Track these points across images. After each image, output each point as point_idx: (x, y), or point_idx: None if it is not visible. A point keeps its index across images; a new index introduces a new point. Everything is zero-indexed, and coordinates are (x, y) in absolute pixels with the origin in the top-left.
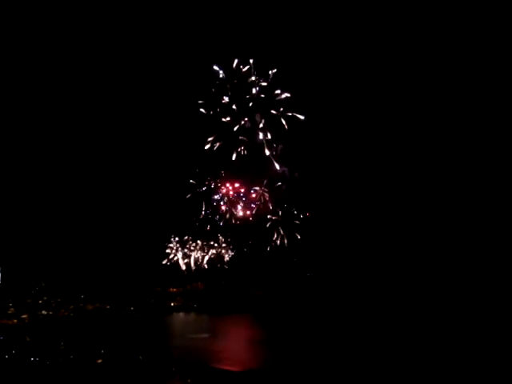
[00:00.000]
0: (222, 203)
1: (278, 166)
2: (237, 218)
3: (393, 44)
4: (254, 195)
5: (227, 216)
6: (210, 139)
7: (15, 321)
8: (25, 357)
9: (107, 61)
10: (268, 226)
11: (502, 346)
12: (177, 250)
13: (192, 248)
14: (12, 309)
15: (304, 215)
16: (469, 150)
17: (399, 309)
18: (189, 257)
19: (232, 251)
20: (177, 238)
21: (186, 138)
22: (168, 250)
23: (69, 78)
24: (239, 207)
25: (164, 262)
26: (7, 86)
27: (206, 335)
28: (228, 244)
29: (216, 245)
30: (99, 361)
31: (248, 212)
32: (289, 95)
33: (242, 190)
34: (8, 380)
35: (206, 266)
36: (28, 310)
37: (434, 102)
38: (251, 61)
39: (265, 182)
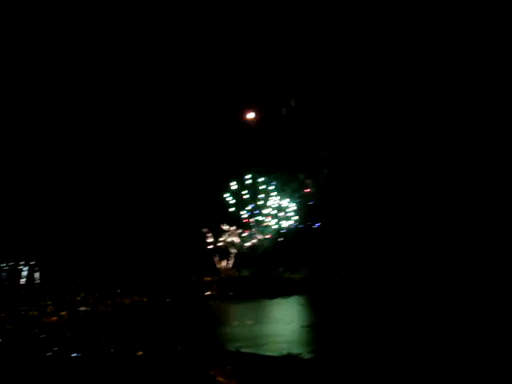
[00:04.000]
0: None
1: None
2: None
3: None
4: None
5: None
6: None
7: (55, 318)
8: (66, 353)
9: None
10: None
11: (501, 345)
12: (211, 239)
13: (226, 237)
14: (51, 307)
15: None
16: (469, 150)
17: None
18: (223, 245)
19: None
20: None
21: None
22: (203, 241)
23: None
24: None
25: (198, 250)
26: (7, 86)
27: (243, 322)
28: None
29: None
30: (140, 353)
31: None
32: None
33: None
34: (51, 377)
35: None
36: (67, 306)
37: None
38: None
39: None
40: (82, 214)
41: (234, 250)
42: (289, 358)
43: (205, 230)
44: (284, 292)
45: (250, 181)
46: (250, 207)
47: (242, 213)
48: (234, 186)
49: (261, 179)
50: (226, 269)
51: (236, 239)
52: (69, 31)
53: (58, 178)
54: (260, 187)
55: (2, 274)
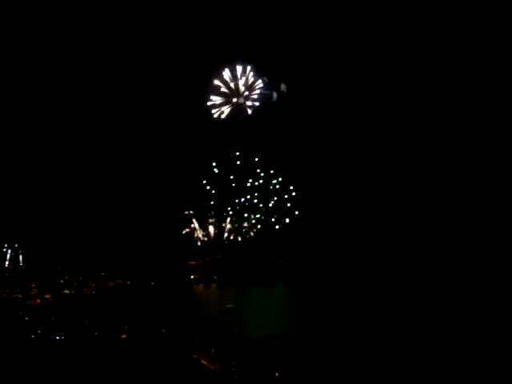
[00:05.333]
0: None
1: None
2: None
3: (393, 44)
4: None
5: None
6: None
7: (39, 301)
8: (50, 336)
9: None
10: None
11: (502, 345)
12: (196, 224)
13: (211, 221)
14: (35, 289)
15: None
16: (469, 150)
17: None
18: (208, 229)
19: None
20: (194, 212)
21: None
22: (187, 225)
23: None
24: None
25: (183, 234)
26: (7, 86)
27: (228, 306)
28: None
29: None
30: (123, 336)
31: None
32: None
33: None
34: (35, 360)
35: (224, 238)
36: (51, 289)
37: (434, 103)
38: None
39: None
40: (66, 197)
41: (220, 235)
42: (271, 340)
43: (191, 213)
44: (268, 276)
45: (239, 162)
46: (240, 194)
47: (230, 198)
48: (221, 169)
49: (253, 167)
50: (211, 253)
51: (223, 224)
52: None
53: (40, 161)
54: (250, 173)
55: None
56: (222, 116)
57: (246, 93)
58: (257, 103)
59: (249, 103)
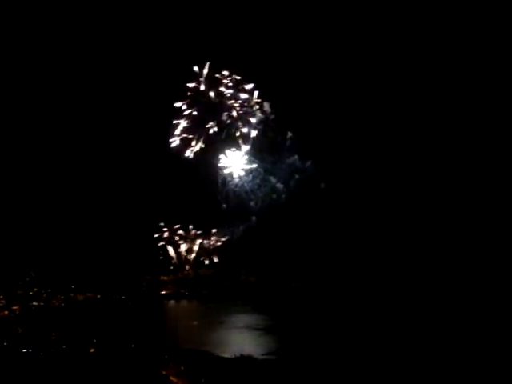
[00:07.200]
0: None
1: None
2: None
3: (393, 45)
4: None
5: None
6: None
7: (6, 312)
8: (17, 348)
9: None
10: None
11: (502, 346)
12: (167, 238)
13: (183, 235)
14: (2, 301)
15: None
16: (469, 150)
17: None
18: (179, 245)
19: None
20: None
21: None
22: (161, 239)
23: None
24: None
25: (156, 248)
26: (6, 86)
27: (198, 322)
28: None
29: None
30: (92, 350)
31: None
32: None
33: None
34: (0, 372)
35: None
36: (19, 301)
37: (434, 103)
38: None
39: None
40: (36, 206)
41: (192, 250)
42: (241, 359)
43: (163, 227)
44: (239, 294)
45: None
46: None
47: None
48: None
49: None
50: (183, 268)
51: (197, 240)
52: None
53: (9, 170)
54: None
55: None
56: (193, 153)
57: (241, 110)
58: (254, 132)
59: (244, 129)
